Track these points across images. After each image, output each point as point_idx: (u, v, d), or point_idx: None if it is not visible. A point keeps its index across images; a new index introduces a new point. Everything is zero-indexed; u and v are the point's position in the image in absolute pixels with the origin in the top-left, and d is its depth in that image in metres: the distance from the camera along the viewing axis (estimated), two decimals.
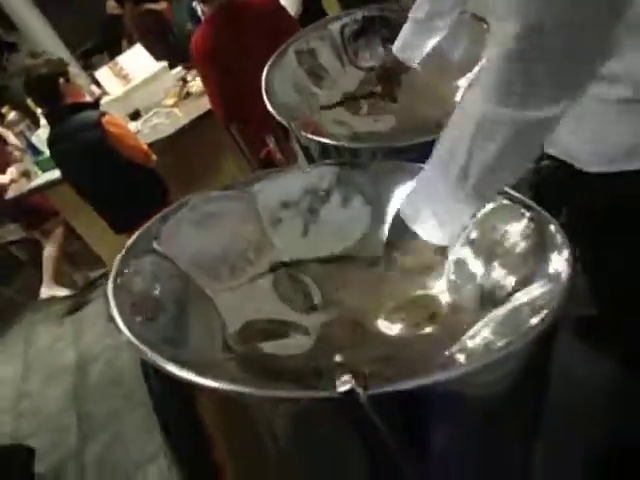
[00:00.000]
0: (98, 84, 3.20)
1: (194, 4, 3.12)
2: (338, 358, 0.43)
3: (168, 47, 3.44)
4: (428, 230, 0.68)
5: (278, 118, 1.15)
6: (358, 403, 0.35)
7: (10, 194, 2.91)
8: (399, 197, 0.86)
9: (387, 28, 1.47)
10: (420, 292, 0.74)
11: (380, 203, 0.87)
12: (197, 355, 0.56)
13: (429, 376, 0.44)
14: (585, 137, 0.69)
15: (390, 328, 0.72)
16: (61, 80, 2.05)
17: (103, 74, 3.05)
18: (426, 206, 0.66)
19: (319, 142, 1.08)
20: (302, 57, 1.34)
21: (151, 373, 0.52)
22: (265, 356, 0.65)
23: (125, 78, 3.11)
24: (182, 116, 2.44)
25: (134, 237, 0.63)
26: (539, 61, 0.49)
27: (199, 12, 3.14)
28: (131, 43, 3.24)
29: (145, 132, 2.49)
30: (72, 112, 2.10)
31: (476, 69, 1.28)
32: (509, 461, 0.53)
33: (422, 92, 1.31)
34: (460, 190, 0.61)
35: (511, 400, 0.51)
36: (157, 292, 0.60)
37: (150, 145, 2.24)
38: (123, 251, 0.59)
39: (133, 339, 0.49)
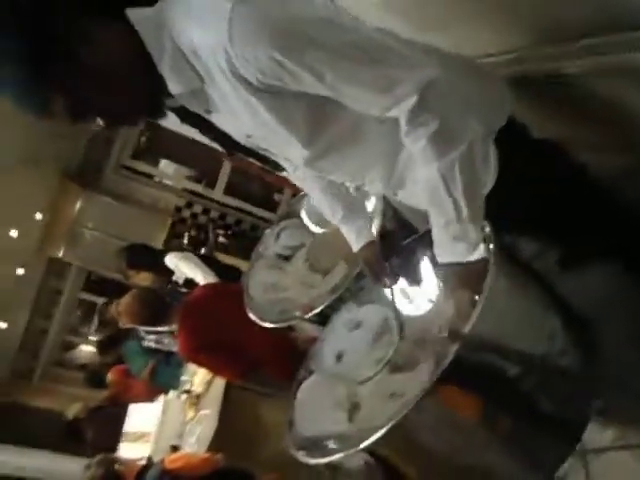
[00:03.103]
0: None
1: (144, 342, 3.48)
2: None
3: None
4: (463, 254, 0.90)
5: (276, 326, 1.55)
6: None
7: None
8: None
9: None
10: None
11: None
12: None
13: None
14: None
15: None
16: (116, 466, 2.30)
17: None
18: (451, 246, 0.90)
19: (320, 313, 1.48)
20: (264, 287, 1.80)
21: None
22: None
23: (143, 437, 3.35)
24: (211, 411, 2.71)
25: None
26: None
27: (150, 344, 3.50)
28: None
29: (195, 449, 2.69)
30: None
31: None
32: None
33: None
34: (461, 222, 0.85)
35: None
36: None
37: (208, 450, 2.45)
38: None
39: None
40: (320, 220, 1.75)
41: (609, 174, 1.31)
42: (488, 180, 1.01)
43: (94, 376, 4.85)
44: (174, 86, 0.87)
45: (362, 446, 0.78)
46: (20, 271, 5.09)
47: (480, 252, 0.92)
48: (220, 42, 0.76)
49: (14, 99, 0.82)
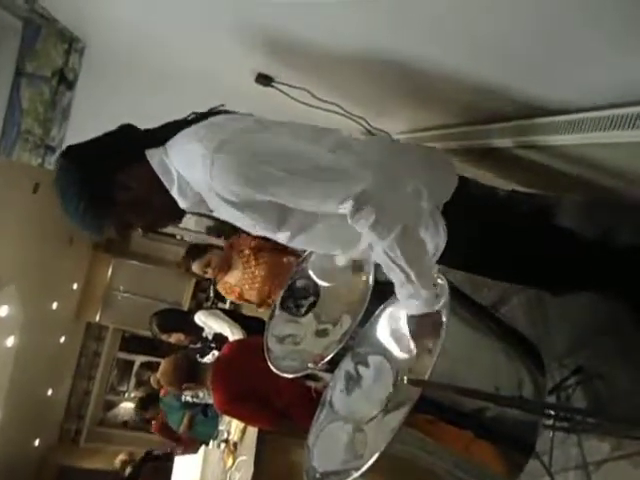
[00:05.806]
0: None
1: (181, 397, 3.70)
2: None
3: None
4: (419, 308, 1.14)
5: (295, 376, 1.77)
6: None
7: None
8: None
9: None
10: None
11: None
12: None
13: None
14: None
15: None
16: None
17: None
18: (408, 303, 1.14)
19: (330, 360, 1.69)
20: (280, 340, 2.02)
21: None
22: None
23: None
24: (247, 458, 2.90)
25: None
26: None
27: (187, 398, 3.72)
28: None
29: None
30: None
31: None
32: None
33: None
34: (412, 283, 1.06)
35: None
36: None
37: None
38: None
39: None
40: (325, 275, 1.98)
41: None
42: (440, 241, 1.22)
43: None
44: (182, 202, 1.18)
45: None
46: (62, 339, 5.43)
47: (439, 304, 1.13)
48: (206, 180, 1.07)
49: (82, 228, 1.17)
